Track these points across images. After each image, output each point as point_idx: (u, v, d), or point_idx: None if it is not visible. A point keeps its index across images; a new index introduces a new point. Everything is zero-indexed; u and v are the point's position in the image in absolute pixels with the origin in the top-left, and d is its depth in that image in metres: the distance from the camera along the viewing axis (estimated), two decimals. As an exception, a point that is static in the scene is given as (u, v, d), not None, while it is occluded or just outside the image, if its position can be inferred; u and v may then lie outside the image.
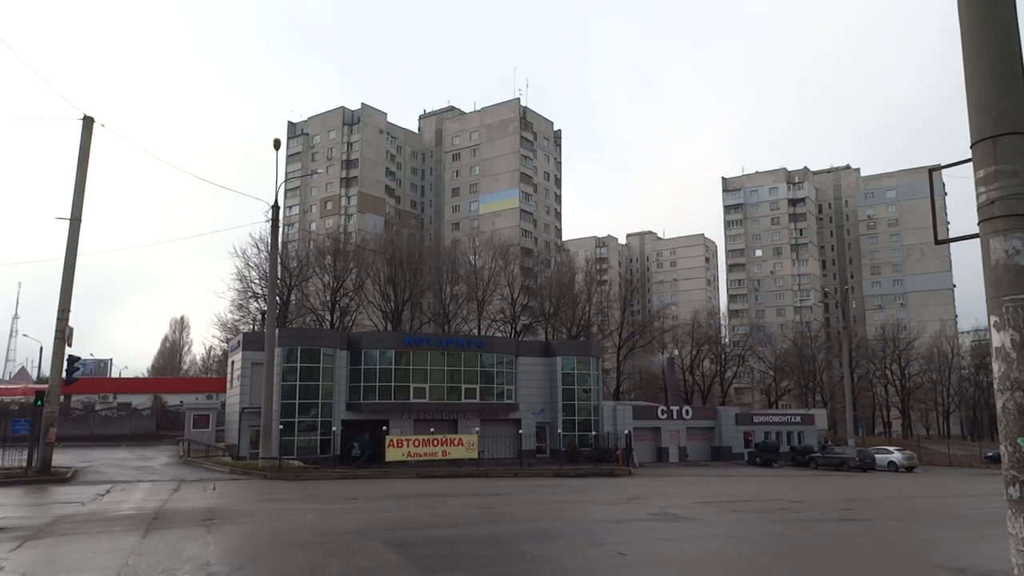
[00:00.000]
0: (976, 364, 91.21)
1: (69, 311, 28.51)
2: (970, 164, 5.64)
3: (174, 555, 11.68)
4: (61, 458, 33.70)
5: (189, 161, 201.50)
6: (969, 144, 5.71)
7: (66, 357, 28.78)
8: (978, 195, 5.60)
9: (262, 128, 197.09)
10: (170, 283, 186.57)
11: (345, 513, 17.68)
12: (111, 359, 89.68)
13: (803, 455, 51.96)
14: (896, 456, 50.38)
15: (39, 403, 27.94)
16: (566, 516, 18.75)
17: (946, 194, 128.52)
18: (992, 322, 5.42)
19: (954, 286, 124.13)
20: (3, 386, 62.63)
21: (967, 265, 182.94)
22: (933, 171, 7.37)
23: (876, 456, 50.15)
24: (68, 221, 28.92)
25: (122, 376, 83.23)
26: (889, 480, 39.63)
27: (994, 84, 5.58)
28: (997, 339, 5.38)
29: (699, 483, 33.14)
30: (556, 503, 21.96)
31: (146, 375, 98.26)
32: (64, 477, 27.17)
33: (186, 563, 11.06)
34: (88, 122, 29.68)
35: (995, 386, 5.45)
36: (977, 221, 5.64)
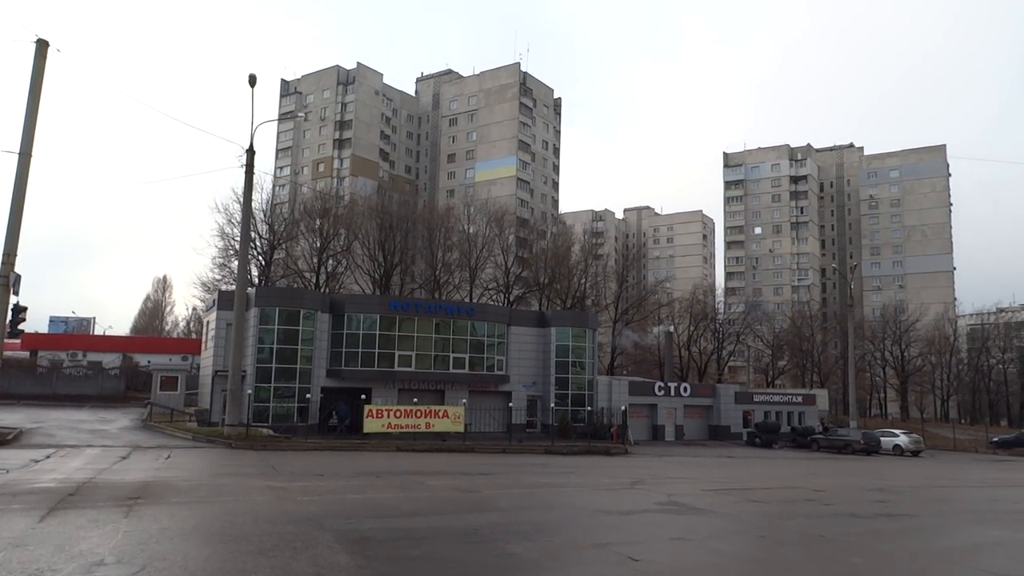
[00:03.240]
0: (978, 348, 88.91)
1: (15, 255, 25.67)
2: None
3: (63, 548, 9.12)
4: (11, 418, 31.39)
5: (178, 111, 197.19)
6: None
7: (11, 307, 26.03)
8: None
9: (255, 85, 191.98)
10: (157, 242, 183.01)
11: (303, 494, 15.12)
12: (94, 318, 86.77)
13: (804, 436, 49.72)
14: (902, 439, 48.25)
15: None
16: (561, 504, 16.20)
17: (950, 175, 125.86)
18: None
19: (954, 268, 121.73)
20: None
21: (968, 248, 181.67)
22: None
23: (881, 439, 47.94)
24: (16, 155, 26.11)
25: (106, 335, 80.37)
26: (903, 466, 37.30)
27: None
28: None
29: (703, 465, 30.72)
30: (549, 486, 19.44)
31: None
32: (4, 439, 24.66)
33: (71, 561, 8.50)
34: (42, 46, 26.67)
35: None
36: None
